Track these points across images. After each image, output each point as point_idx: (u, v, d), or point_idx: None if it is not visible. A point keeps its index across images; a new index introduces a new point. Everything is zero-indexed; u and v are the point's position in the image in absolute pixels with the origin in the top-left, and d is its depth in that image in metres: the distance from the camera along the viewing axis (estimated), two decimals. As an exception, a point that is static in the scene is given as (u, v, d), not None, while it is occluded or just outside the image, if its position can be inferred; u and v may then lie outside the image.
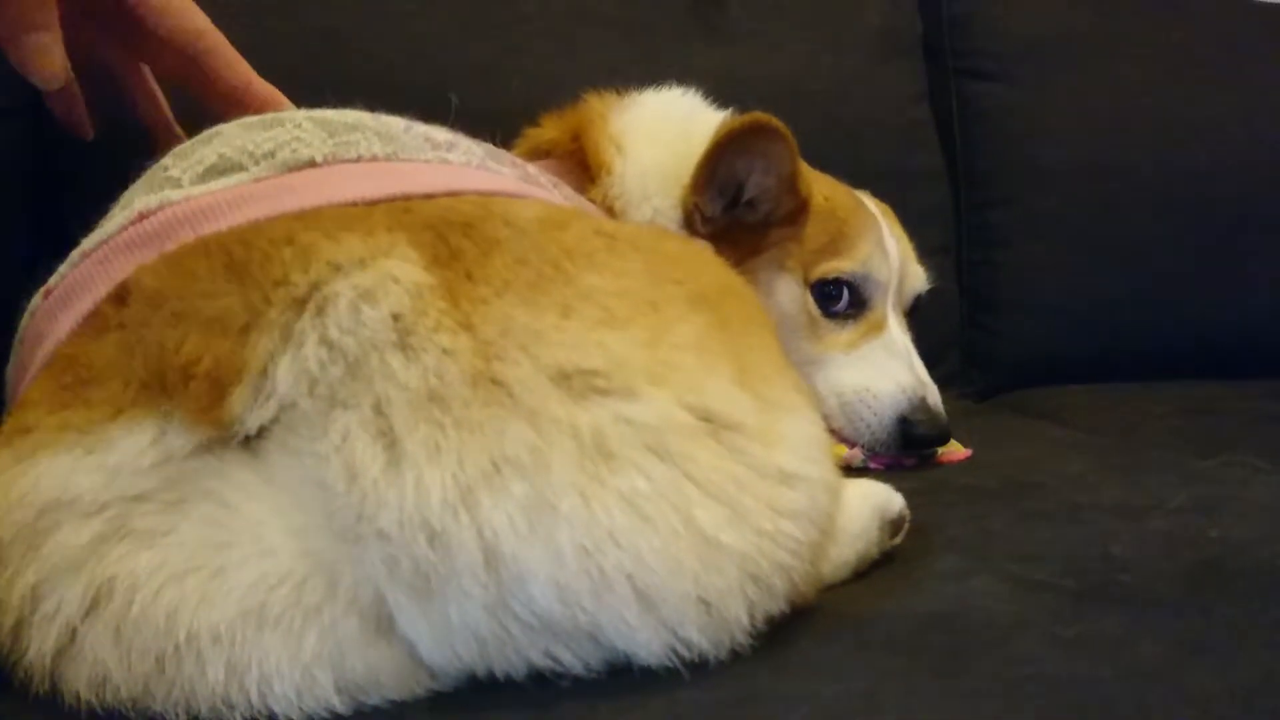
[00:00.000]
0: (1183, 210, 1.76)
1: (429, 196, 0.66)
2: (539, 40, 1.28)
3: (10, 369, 0.70)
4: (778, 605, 0.61)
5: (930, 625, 0.67)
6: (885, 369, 1.19)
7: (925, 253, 1.66)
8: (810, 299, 1.19)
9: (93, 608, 0.52)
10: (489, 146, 0.87)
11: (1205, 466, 1.14)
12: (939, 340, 1.73)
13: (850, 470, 1.10)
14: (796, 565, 0.61)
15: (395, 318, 0.56)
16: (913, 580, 0.76)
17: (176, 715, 0.52)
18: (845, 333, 1.20)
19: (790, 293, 1.18)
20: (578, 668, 0.56)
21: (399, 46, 1.34)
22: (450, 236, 0.61)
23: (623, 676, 0.56)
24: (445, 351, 0.55)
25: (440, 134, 0.78)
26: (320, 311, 0.55)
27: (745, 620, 0.58)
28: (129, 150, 0.80)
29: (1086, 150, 1.76)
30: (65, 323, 0.61)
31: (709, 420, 0.59)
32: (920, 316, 1.35)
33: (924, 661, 0.61)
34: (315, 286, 0.56)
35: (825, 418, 1.15)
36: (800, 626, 0.64)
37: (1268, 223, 1.77)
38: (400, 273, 0.57)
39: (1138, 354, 1.75)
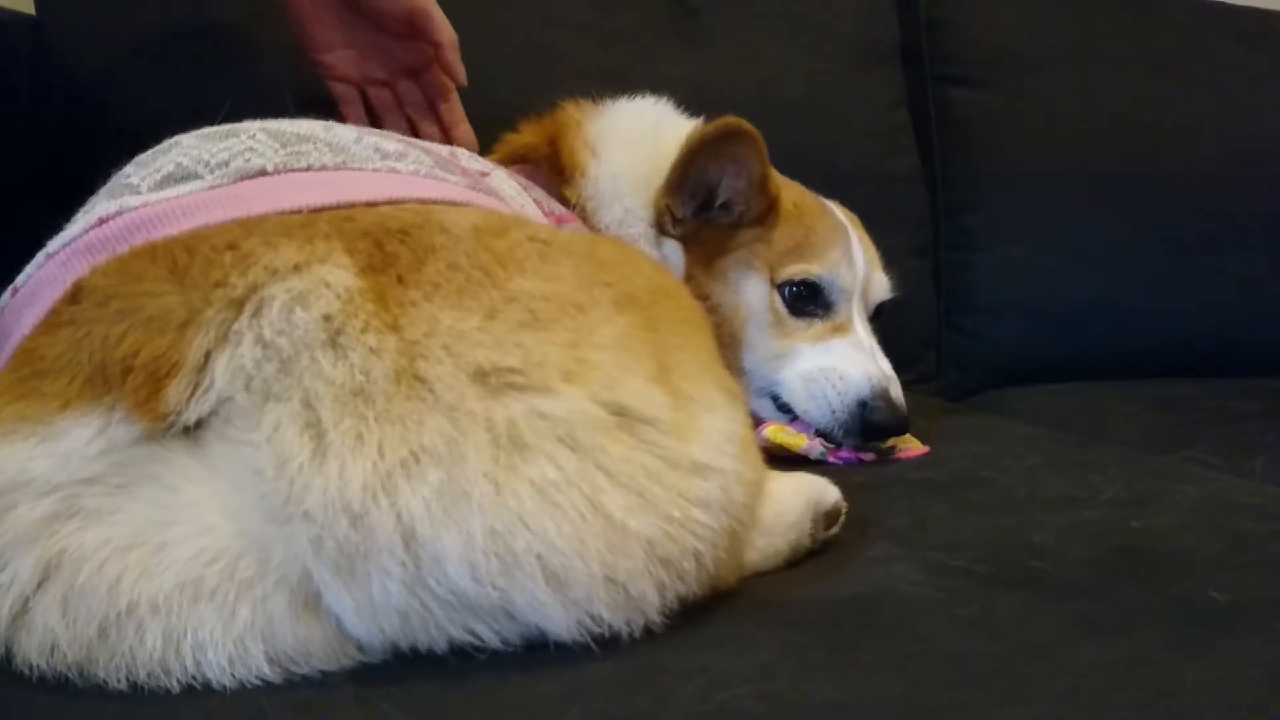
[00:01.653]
0: (1156, 212, 1.79)
1: (371, 204, 0.71)
2: (517, 48, 1.33)
3: (-20, 361, 0.75)
4: (689, 587, 0.65)
5: (842, 606, 0.71)
6: (852, 358, 1.22)
7: (902, 255, 1.70)
8: (777, 298, 1.23)
9: (44, 579, 0.57)
10: (443, 155, 0.91)
11: (1156, 462, 1.17)
12: (915, 342, 1.77)
13: (806, 465, 1.14)
14: (708, 551, 0.65)
15: (326, 319, 0.60)
16: (838, 566, 0.80)
17: (118, 680, 0.57)
18: (811, 330, 1.24)
19: (758, 291, 1.22)
20: (495, 642, 0.60)
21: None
22: (386, 243, 0.66)
23: (537, 651, 0.61)
24: (372, 350, 0.60)
25: (390, 144, 0.82)
26: (257, 313, 0.60)
27: (655, 600, 0.63)
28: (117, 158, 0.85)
29: (1061, 154, 1.79)
30: (28, 319, 0.66)
31: (622, 414, 0.64)
32: (896, 318, 1.39)
33: (826, 638, 0.65)
34: (253, 289, 0.61)
35: (788, 404, 1.20)
36: (718, 608, 0.69)
37: (1240, 224, 1.79)
38: (332, 278, 0.62)
39: (1113, 354, 1.78)
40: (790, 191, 1.27)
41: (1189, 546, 0.82)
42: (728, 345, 1.22)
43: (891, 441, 1.21)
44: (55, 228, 0.78)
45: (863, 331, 1.27)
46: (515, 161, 1.24)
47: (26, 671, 0.58)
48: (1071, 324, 1.77)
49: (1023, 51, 1.82)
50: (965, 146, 1.81)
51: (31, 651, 0.57)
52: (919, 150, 1.82)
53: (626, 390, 0.65)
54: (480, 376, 0.61)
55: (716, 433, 0.69)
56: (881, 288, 1.34)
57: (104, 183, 0.78)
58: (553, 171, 1.23)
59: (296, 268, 0.62)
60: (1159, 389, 1.65)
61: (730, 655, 0.62)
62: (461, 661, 0.60)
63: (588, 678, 0.59)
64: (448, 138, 1.31)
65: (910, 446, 1.23)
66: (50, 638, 0.57)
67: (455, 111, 1.33)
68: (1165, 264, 1.78)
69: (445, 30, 1.25)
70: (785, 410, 1.22)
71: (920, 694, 0.57)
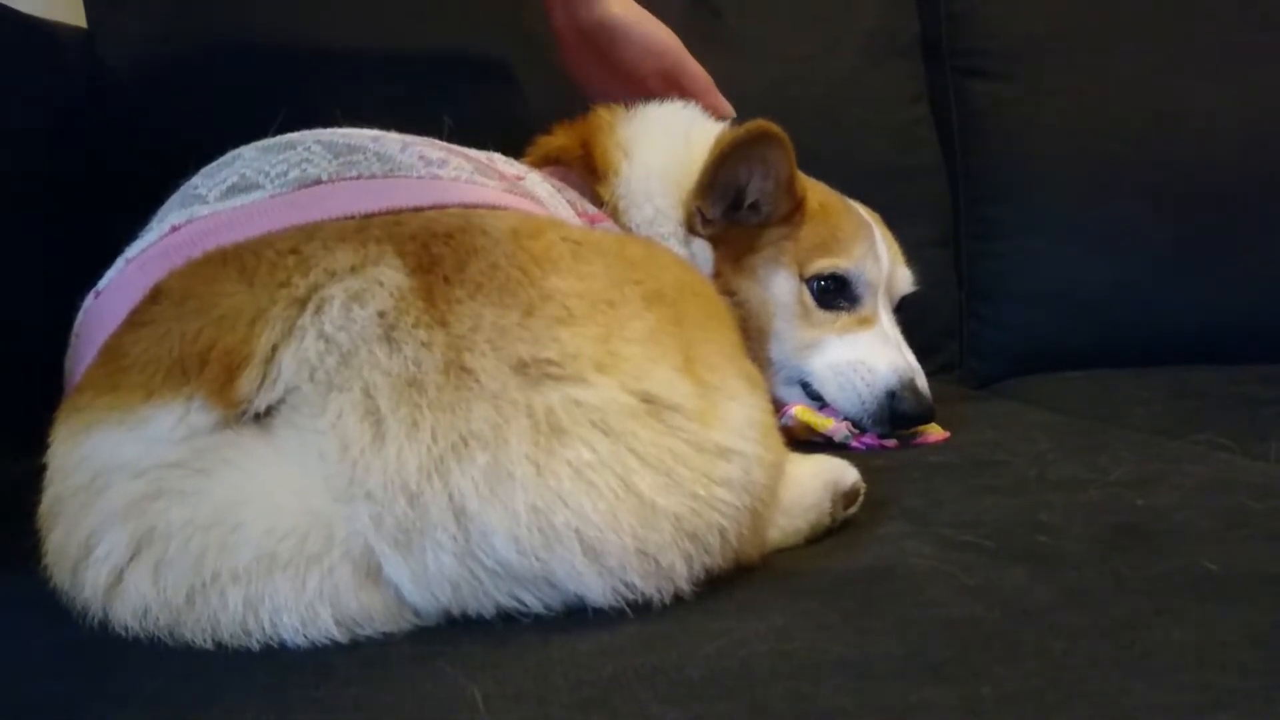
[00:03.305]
0: (1177, 201, 1.81)
1: (418, 210, 0.77)
2: (539, 50, 1.38)
3: (67, 359, 0.83)
4: (715, 560, 0.71)
5: (855, 577, 0.76)
6: (879, 350, 1.28)
7: (924, 246, 1.75)
8: (806, 291, 1.28)
9: (136, 553, 0.64)
10: (481, 160, 0.97)
11: (1168, 446, 1.21)
12: (938, 330, 1.81)
13: (831, 447, 1.19)
14: (731, 527, 0.71)
15: (381, 315, 0.67)
16: (854, 542, 0.86)
17: (204, 640, 0.63)
18: (839, 322, 1.29)
19: (787, 285, 1.28)
20: (538, 608, 0.67)
21: (414, 62, 1.45)
22: (432, 245, 0.72)
23: (577, 616, 0.67)
24: (423, 344, 0.66)
25: (434, 152, 0.89)
26: (318, 310, 0.67)
27: (684, 570, 0.69)
28: (166, 166, 0.92)
29: (1082, 144, 1.82)
30: (111, 319, 0.73)
31: (651, 402, 0.70)
32: (919, 307, 1.44)
33: (838, 604, 0.71)
34: (314, 289, 0.68)
35: (818, 392, 1.25)
36: (741, 579, 0.75)
37: (1262, 211, 1.80)
38: (385, 278, 0.68)
39: (1133, 342, 1.80)
40: (815, 191, 1.32)
41: (1188, 522, 0.86)
42: (755, 338, 1.27)
43: (914, 428, 1.26)
44: (105, 233, 0.85)
45: (888, 324, 1.32)
46: (548, 163, 1.30)
47: (123, 633, 0.65)
48: (1092, 312, 1.80)
49: (1042, 42, 1.84)
50: (986, 138, 1.85)
51: (126, 616, 0.64)
52: (940, 142, 1.86)
53: (654, 380, 0.71)
54: (521, 368, 0.67)
55: (738, 419, 0.74)
56: (905, 282, 1.39)
57: (172, 193, 0.85)
58: (586, 172, 1.29)
59: (353, 269, 0.69)
60: (1177, 375, 1.68)
61: (750, 619, 0.68)
62: (508, 625, 0.66)
63: (621, 638, 0.65)
64: None
65: (931, 431, 1.28)
66: (143, 603, 0.64)
67: None
68: (1185, 252, 1.80)
69: (699, 79, 1.38)
70: (815, 398, 1.27)
71: (922, 653, 0.63)
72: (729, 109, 1.41)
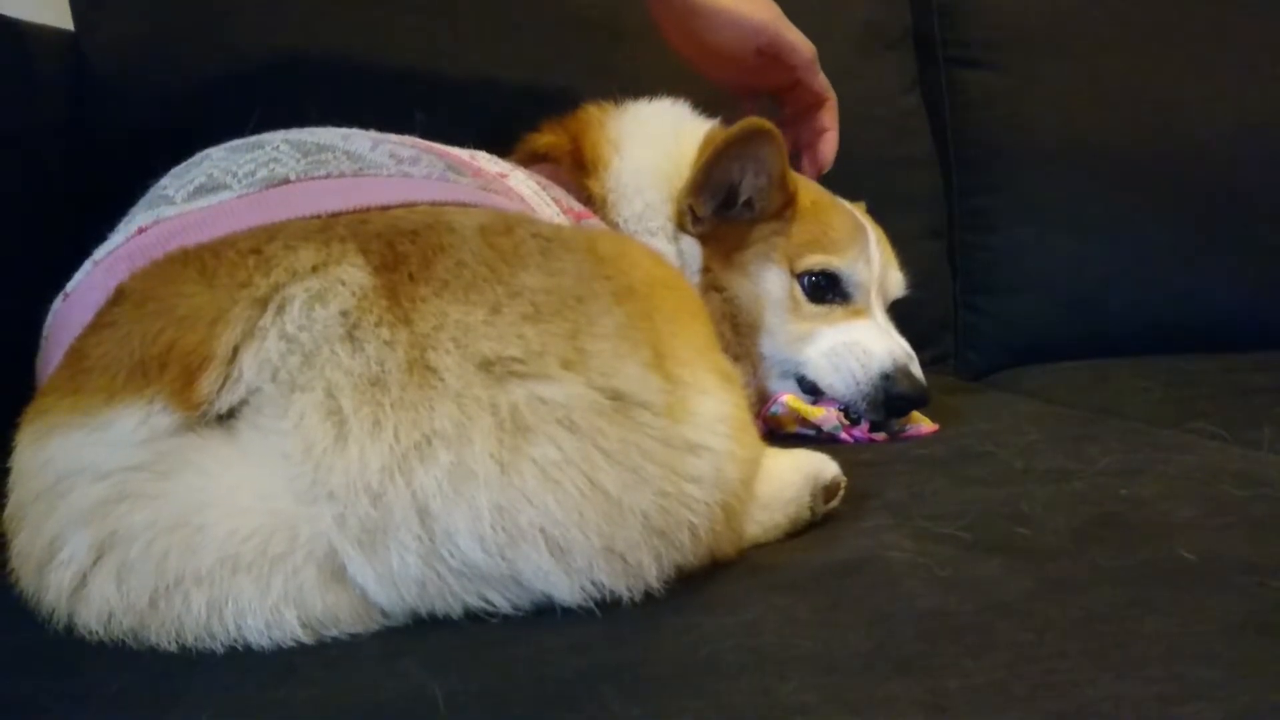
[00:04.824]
0: (1170, 189, 1.80)
1: (385, 208, 0.77)
2: (529, 48, 1.38)
3: (37, 360, 0.83)
4: (686, 557, 0.71)
5: (829, 571, 0.76)
6: (873, 335, 1.27)
7: (917, 237, 1.74)
8: (797, 286, 1.28)
9: (99, 556, 0.64)
10: (460, 158, 0.97)
11: (1158, 435, 1.21)
12: (932, 322, 1.80)
13: (818, 442, 1.19)
14: (702, 524, 0.71)
15: (343, 314, 0.67)
16: (832, 536, 0.85)
17: (168, 643, 0.63)
18: (831, 315, 1.29)
19: (778, 280, 1.27)
20: (506, 607, 0.66)
21: (400, 57, 1.45)
22: (398, 243, 0.72)
23: (545, 615, 0.67)
24: (386, 343, 0.66)
25: (405, 150, 0.88)
26: (280, 311, 0.67)
27: (653, 568, 0.68)
28: (151, 168, 0.92)
29: (1074, 133, 1.81)
30: (77, 322, 0.73)
31: (618, 399, 0.69)
32: (913, 300, 1.43)
33: (810, 599, 0.70)
34: (275, 289, 0.67)
35: (813, 382, 1.24)
36: (716, 574, 0.75)
37: (1255, 200, 1.80)
38: (348, 277, 0.68)
39: (1128, 332, 1.79)
40: (808, 189, 1.32)
41: (1168, 511, 0.86)
42: (746, 334, 1.27)
43: (902, 420, 1.26)
44: (88, 235, 0.85)
45: (881, 318, 1.32)
46: (536, 159, 1.30)
47: (87, 636, 0.65)
48: (1087, 302, 1.79)
49: (1034, 33, 1.83)
50: (978, 128, 1.83)
51: (91, 619, 0.64)
52: (932, 133, 1.85)
53: (622, 376, 0.70)
54: (486, 365, 0.67)
55: (709, 414, 0.74)
56: (897, 285, 1.38)
57: (143, 194, 0.85)
58: (575, 167, 1.29)
59: (315, 268, 0.68)
60: (1173, 364, 1.67)
61: (721, 615, 0.68)
62: (476, 624, 0.66)
63: (589, 634, 0.65)
64: (813, 145, 1.46)
65: (919, 424, 1.27)
66: (107, 607, 0.64)
67: (822, 120, 1.45)
68: (1179, 241, 1.79)
69: (802, 53, 1.38)
70: (810, 390, 1.26)
71: (891, 646, 0.62)
72: (828, 89, 1.43)
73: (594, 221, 1.23)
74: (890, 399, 1.23)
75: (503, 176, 1.07)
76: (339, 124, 0.95)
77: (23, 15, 1.43)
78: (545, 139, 1.34)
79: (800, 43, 1.38)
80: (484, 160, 1.11)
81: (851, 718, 0.55)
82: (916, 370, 1.25)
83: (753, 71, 1.38)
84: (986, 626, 0.65)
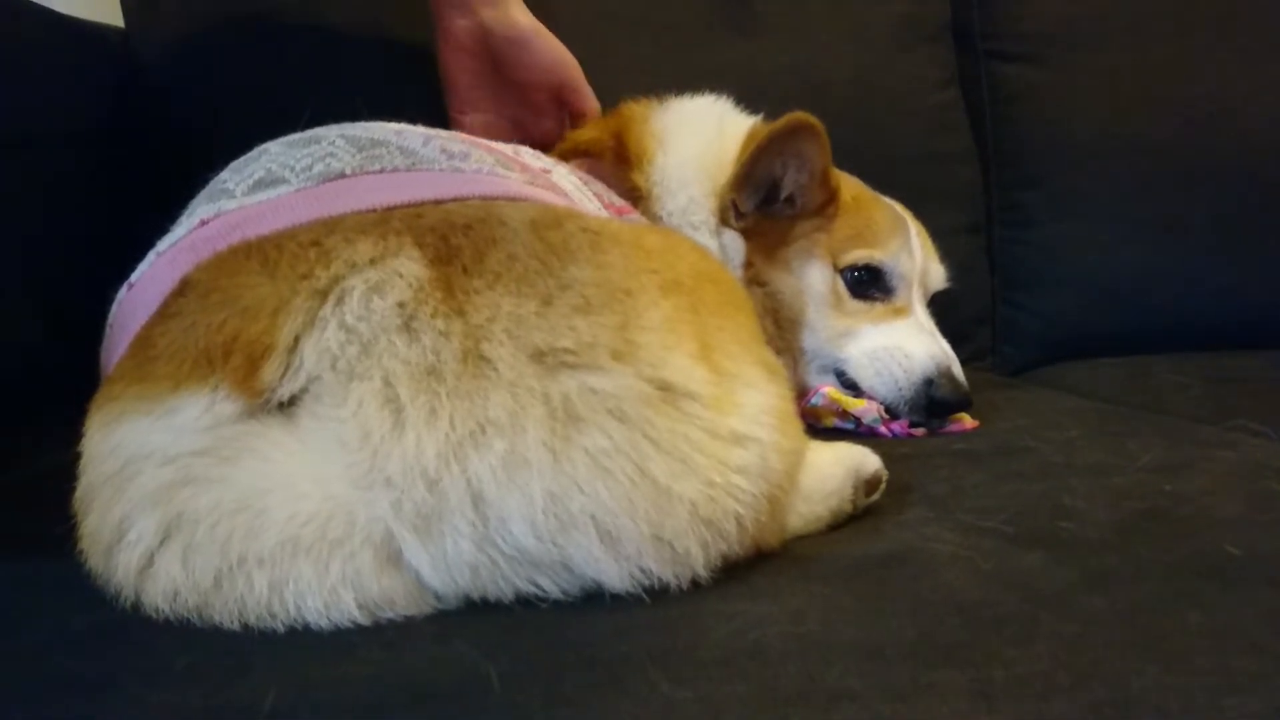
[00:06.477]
0: (1211, 185, 1.78)
1: (438, 202, 0.78)
2: (571, 43, 1.39)
3: (102, 349, 0.85)
4: (732, 547, 0.72)
5: (872, 562, 0.77)
6: (915, 337, 1.28)
7: (956, 232, 1.74)
8: (839, 281, 1.28)
9: (166, 537, 0.66)
10: (505, 153, 0.99)
11: (1200, 431, 1.20)
12: (970, 318, 1.80)
13: (858, 435, 1.20)
14: (748, 514, 0.72)
15: (400, 306, 0.68)
16: (874, 528, 0.86)
17: (231, 622, 0.65)
18: (873, 311, 1.29)
19: (821, 275, 1.28)
20: (556, 593, 0.68)
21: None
22: (451, 237, 0.74)
23: (594, 600, 0.68)
24: (441, 333, 0.68)
25: (456, 145, 0.90)
26: (339, 302, 0.69)
27: (700, 556, 0.69)
28: (201, 162, 0.94)
29: (1115, 128, 1.79)
30: (142, 312, 0.75)
31: (666, 389, 0.70)
32: (951, 294, 1.43)
33: (853, 588, 0.71)
34: (335, 280, 0.69)
35: (853, 380, 1.25)
36: (758, 564, 0.76)
37: (1298, 196, 1.78)
38: (405, 269, 0.70)
39: (1167, 328, 1.78)
40: (849, 184, 1.32)
41: (1211, 506, 0.86)
42: (788, 328, 1.28)
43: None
44: (142, 227, 0.87)
45: (922, 315, 1.32)
46: (578, 155, 1.31)
47: (153, 615, 0.67)
48: (1126, 298, 1.77)
49: (1075, 25, 1.82)
50: (1017, 123, 1.82)
51: (157, 598, 0.66)
52: (971, 128, 1.84)
53: (670, 367, 0.71)
54: (538, 356, 0.68)
55: (755, 406, 0.75)
56: (938, 277, 1.38)
57: (202, 187, 0.87)
58: (618, 162, 1.30)
59: (373, 261, 0.70)
60: (1213, 361, 1.66)
61: (766, 603, 0.69)
62: (526, 608, 0.68)
63: (636, 620, 0.66)
64: None
65: (961, 420, 1.27)
66: (173, 586, 0.66)
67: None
68: (1219, 237, 1.77)
69: (591, 103, 1.36)
70: (851, 387, 1.27)
71: (935, 635, 0.63)
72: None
73: (635, 216, 1.24)
74: (933, 404, 1.23)
75: (546, 172, 1.08)
76: (388, 120, 0.97)
77: (73, 12, 1.46)
78: (587, 134, 1.35)
79: (593, 98, 1.38)
80: (528, 156, 1.13)
81: (896, 704, 0.56)
82: (959, 373, 1.25)
83: (526, 118, 1.37)
84: (1030, 617, 0.66)
